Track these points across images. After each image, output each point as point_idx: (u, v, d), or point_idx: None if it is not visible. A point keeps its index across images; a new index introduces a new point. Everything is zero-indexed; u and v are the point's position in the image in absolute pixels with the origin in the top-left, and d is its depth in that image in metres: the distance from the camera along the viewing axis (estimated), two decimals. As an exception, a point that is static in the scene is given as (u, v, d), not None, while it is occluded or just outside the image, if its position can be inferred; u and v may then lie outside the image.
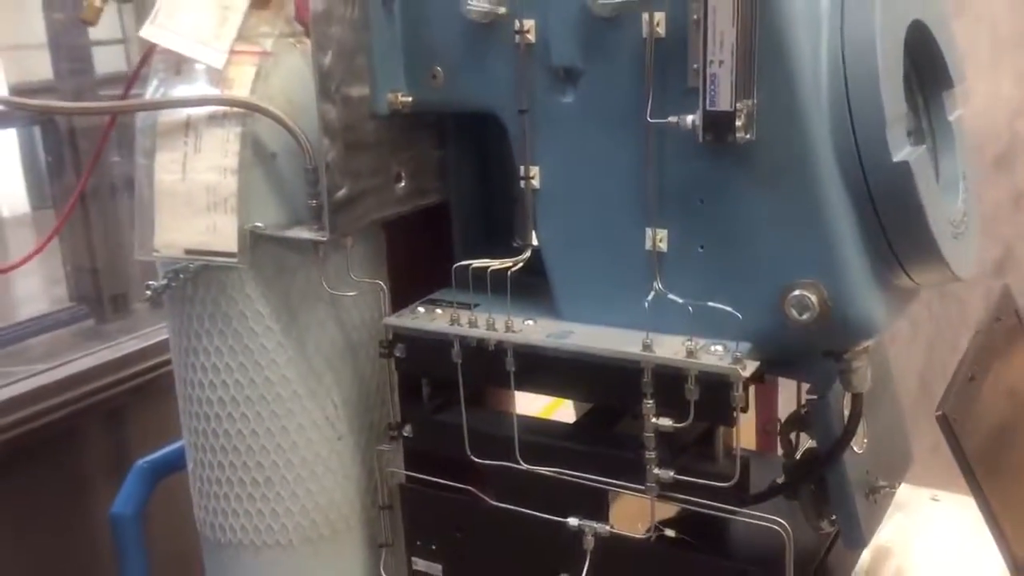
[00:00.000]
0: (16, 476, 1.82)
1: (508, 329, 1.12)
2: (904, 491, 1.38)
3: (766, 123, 0.97)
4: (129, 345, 2.13)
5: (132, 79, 1.31)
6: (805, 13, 0.96)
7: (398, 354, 1.22)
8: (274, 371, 1.24)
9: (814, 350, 1.05)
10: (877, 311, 1.02)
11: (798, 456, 1.16)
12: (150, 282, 1.26)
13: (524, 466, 1.15)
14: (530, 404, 1.26)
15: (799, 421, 1.16)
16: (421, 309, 1.22)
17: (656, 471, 1.06)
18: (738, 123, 0.95)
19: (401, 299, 1.26)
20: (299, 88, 1.20)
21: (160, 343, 2.03)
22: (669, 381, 1.03)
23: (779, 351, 1.05)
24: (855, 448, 1.12)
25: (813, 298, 0.98)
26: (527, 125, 1.11)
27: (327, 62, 1.10)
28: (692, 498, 1.07)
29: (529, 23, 1.08)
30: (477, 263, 1.14)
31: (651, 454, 1.06)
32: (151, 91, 1.22)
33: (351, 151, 1.14)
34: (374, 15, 1.14)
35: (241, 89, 1.18)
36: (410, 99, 1.18)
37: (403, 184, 1.23)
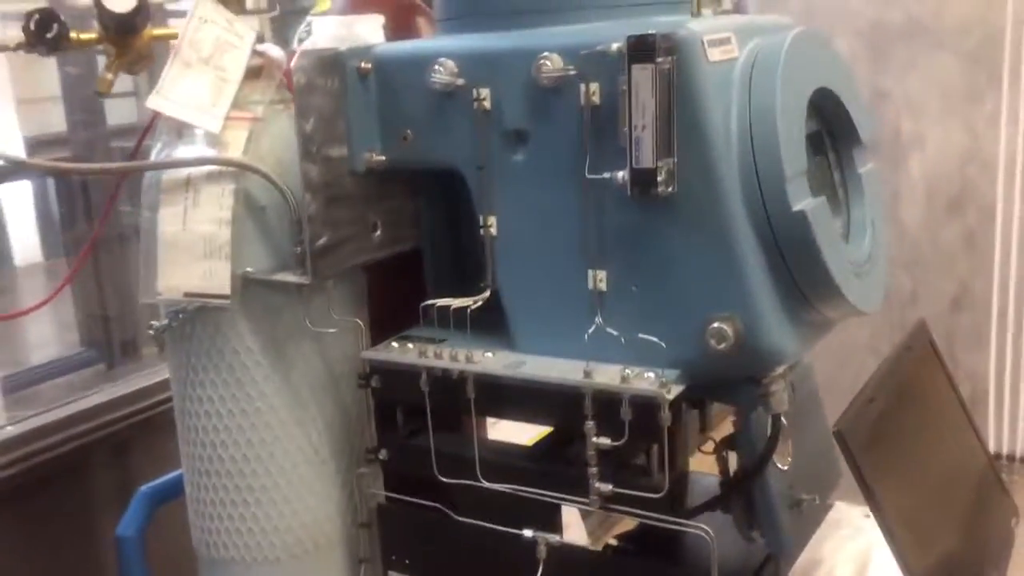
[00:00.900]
0: (31, 502, 1.96)
1: (468, 360, 1.27)
2: (840, 508, 1.51)
3: (685, 178, 1.12)
4: (135, 382, 2.28)
5: (140, 142, 1.47)
6: (717, 85, 1.12)
7: (374, 384, 1.36)
8: (263, 401, 1.38)
9: (735, 376, 1.20)
10: (788, 341, 1.16)
11: (731, 473, 1.30)
12: (153, 322, 1.42)
13: (485, 484, 1.29)
14: (522, 433, 1.39)
15: (729, 441, 1.29)
16: (395, 344, 1.36)
17: (598, 485, 1.20)
18: (660, 178, 1.10)
19: (382, 335, 1.40)
20: (287, 149, 1.35)
21: (164, 381, 2.18)
22: (607, 405, 1.17)
23: (705, 377, 1.19)
24: (780, 464, 1.26)
25: (730, 330, 1.13)
26: (485, 180, 1.26)
27: (308, 127, 1.26)
28: (630, 509, 1.20)
29: (485, 92, 1.23)
30: (441, 302, 1.29)
31: (593, 470, 1.20)
32: (156, 152, 1.38)
33: (331, 204, 1.30)
34: (351, 86, 1.30)
35: (235, 151, 1.33)
36: (384, 158, 1.33)
37: (379, 233, 1.39)
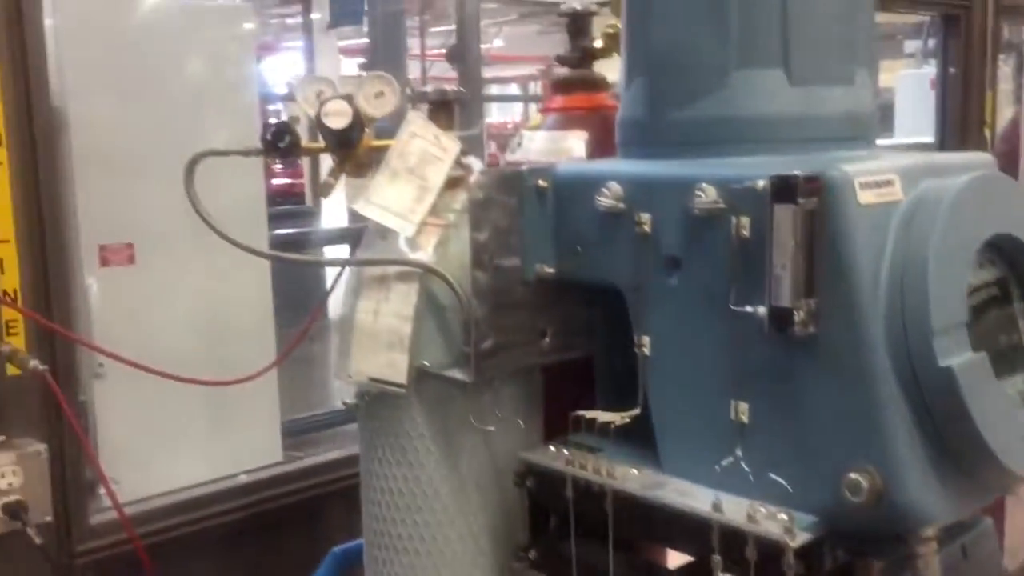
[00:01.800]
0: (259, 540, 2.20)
1: (610, 475, 1.29)
2: None
3: (827, 319, 1.09)
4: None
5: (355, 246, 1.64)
6: (868, 228, 1.08)
7: (529, 485, 1.42)
8: (431, 486, 1.48)
9: (877, 531, 1.13)
10: (935, 500, 1.08)
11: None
12: (345, 399, 1.57)
13: (618, 600, 1.30)
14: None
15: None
16: (551, 448, 1.41)
17: (723, 620, 1.17)
18: (797, 318, 1.08)
19: (556, 436, 1.45)
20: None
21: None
22: (734, 540, 1.15)
23: (843, 528, 1.13)
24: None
25: (865, 483, 1.07)
26: (641, 301, 1.29)
27: (482, 238, 1.36)
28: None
29: (645, 216, 1.27)
30: (589, 414, 1.33)
31: (718, 606, 1.17)
32: (362, 248, 1.54)
33: (498, 310, 1.38)
34: (528, 204, 1.39)
35: (425, 254, 1.46)
36: (554, 271, 1.40)
37: (548, 339, 1.45)
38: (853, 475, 1.08)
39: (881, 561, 1.16)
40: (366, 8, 7.83)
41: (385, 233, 1.52)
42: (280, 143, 1.46)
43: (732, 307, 1.17)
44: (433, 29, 9.61)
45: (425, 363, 1.44)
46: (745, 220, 1.16)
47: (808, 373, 1.12)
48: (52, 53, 2.16)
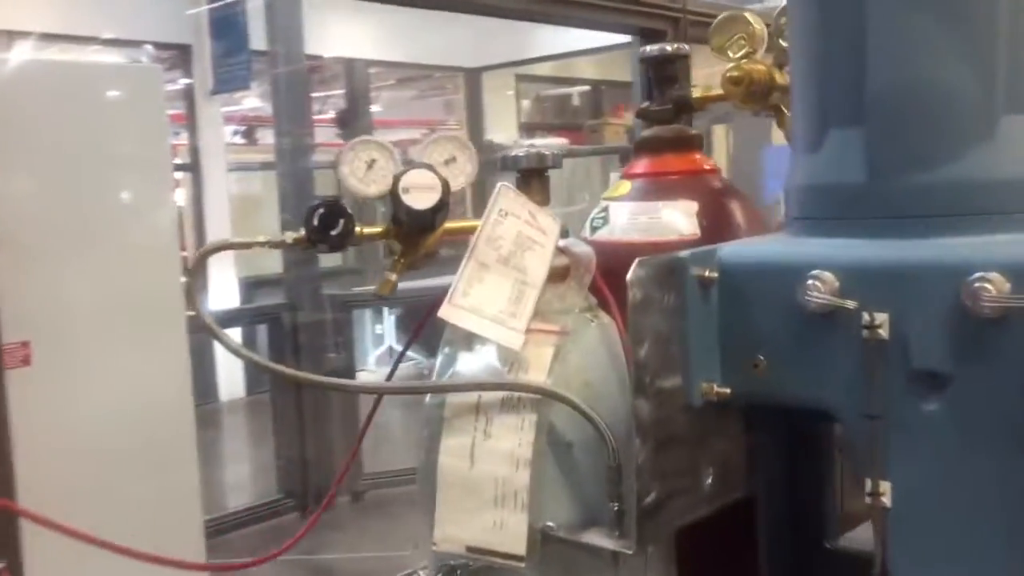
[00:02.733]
0: None
1: None
2: None
3: None
4: None
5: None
6: None
7: None
8: None
9: None
10: None
11: None
12: (419, 572, 1.15)
13: None
14: None
15: None
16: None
17: None
18: None
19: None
20: (595, 369, 1.10)
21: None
22: None
23: None
24: None
25: None
26: (877, 434, 0.94)
27: (643, 354, 0.99)
28: None
29: (881, 317, 0.93)
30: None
31: None
32: (439, 365, 1.14)
33: (661, 449, 1.01)
34: (691, 301, 1.03)
35: (538, 372, 1.08)
36: (728, 390, 1.04)
37: (711, 481, 1.09)
38: None
39: None
40: (252, 72, 7.38)
41: (471, 342, 1.13)
42: (333, 230, 1.06)
43: (1048, 445, 0.84)
44: (314, 94, 9.27)
45: (550, 524, 1.05)
46: (1060, 322, 0.83)
47: None
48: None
